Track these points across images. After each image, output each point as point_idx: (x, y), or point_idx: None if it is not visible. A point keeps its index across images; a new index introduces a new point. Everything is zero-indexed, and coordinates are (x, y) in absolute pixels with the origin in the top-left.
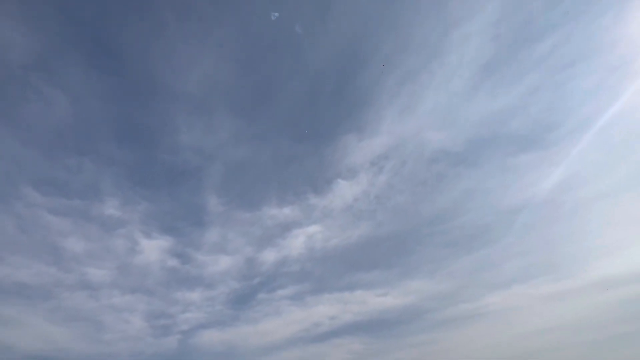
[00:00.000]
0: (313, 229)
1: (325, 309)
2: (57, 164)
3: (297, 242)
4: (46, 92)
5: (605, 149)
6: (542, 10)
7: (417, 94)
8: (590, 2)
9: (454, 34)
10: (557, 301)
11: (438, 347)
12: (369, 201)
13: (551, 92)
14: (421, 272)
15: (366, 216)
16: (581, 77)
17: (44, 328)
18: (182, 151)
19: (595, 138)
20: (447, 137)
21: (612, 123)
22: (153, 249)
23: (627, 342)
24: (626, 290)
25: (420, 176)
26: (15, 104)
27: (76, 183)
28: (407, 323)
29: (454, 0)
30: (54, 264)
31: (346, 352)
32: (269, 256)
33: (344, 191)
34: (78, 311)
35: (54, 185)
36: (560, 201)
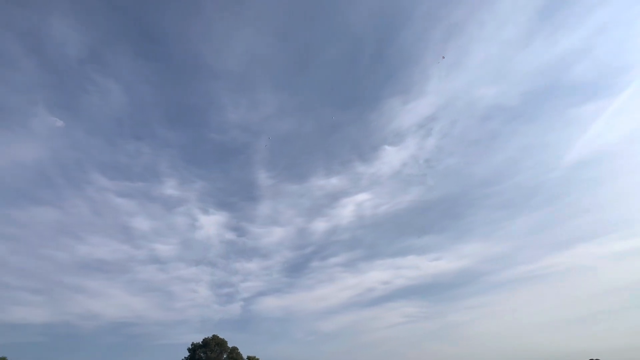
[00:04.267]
0: (361, 197)
1: (378, 275)
2: (118, 150)
3: (346, 211)
4: (101, 83)
5: None
6: None
7: (465, 47)
8: None
9: None
10: (628, 259)
11: (495, 309)
12: (418, 165)
13: (621, 30)
14: (475, 235)
15: (416, 181)
16: None
17: (124, 298)
18: (230, 129)
19: None
20: (500, 91)
21: None
22: (211, 224)
23: None
24: None
25: (472, 136)
26: (76, 96)
27: (137, 166)
28: (462, 286)
29: None
30: (126, 241)
31: (400, 315)
32: (320, 226)
33: (392, 157)
34: (151, 283)
35: (118, 169)
36: (630, 152)
